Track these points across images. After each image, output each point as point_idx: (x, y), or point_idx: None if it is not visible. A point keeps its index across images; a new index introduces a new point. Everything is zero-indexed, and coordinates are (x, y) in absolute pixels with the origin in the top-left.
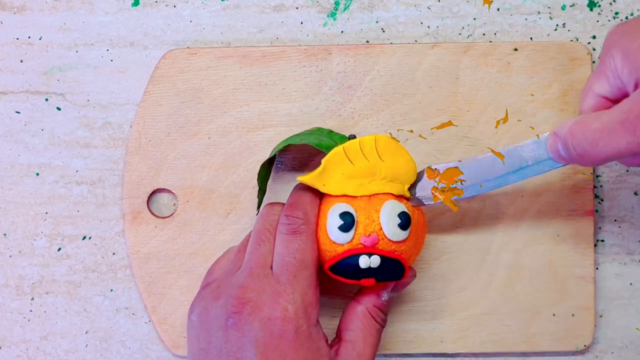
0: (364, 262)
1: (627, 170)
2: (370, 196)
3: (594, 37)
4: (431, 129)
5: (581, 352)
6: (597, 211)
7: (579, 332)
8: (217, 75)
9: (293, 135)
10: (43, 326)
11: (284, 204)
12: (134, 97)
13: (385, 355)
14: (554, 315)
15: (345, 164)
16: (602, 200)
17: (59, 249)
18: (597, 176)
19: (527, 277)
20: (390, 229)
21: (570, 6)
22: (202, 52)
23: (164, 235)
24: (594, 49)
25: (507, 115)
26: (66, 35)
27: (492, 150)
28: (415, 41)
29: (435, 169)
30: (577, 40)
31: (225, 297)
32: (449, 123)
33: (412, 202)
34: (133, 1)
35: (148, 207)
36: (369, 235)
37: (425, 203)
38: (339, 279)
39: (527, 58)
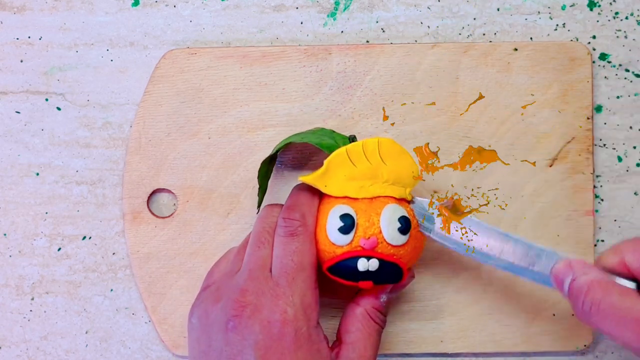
0: (362, 265)
1: (627, 170)
2: (371, 199)
3: (594, 37)
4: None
5: (581, 352)
6: (597, 211)
7: (579, 332)
8: (217, 75)
9: (295, 134)
10: (43, 326)
11: (283, 205)
12: (134, 97)
13: (386, 355)
14: (554, 315)
15: (348, 165)
16: (602, 200)
17: (59, 249)
18: (597, 176)
19: None
20: (390, 233)
21: (570, 6)
22: (202, 52)
23: (164, 235)
24: (594, 49)
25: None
26: (66, 35)
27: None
28: (415, 41)
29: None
30: (577, 40)
31: (225, 299)
32: (433, 103)
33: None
34: (133, 1)
35: (148, 207)
36: (369, 238)
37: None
38: (336, 280)
39: (527, 58)
